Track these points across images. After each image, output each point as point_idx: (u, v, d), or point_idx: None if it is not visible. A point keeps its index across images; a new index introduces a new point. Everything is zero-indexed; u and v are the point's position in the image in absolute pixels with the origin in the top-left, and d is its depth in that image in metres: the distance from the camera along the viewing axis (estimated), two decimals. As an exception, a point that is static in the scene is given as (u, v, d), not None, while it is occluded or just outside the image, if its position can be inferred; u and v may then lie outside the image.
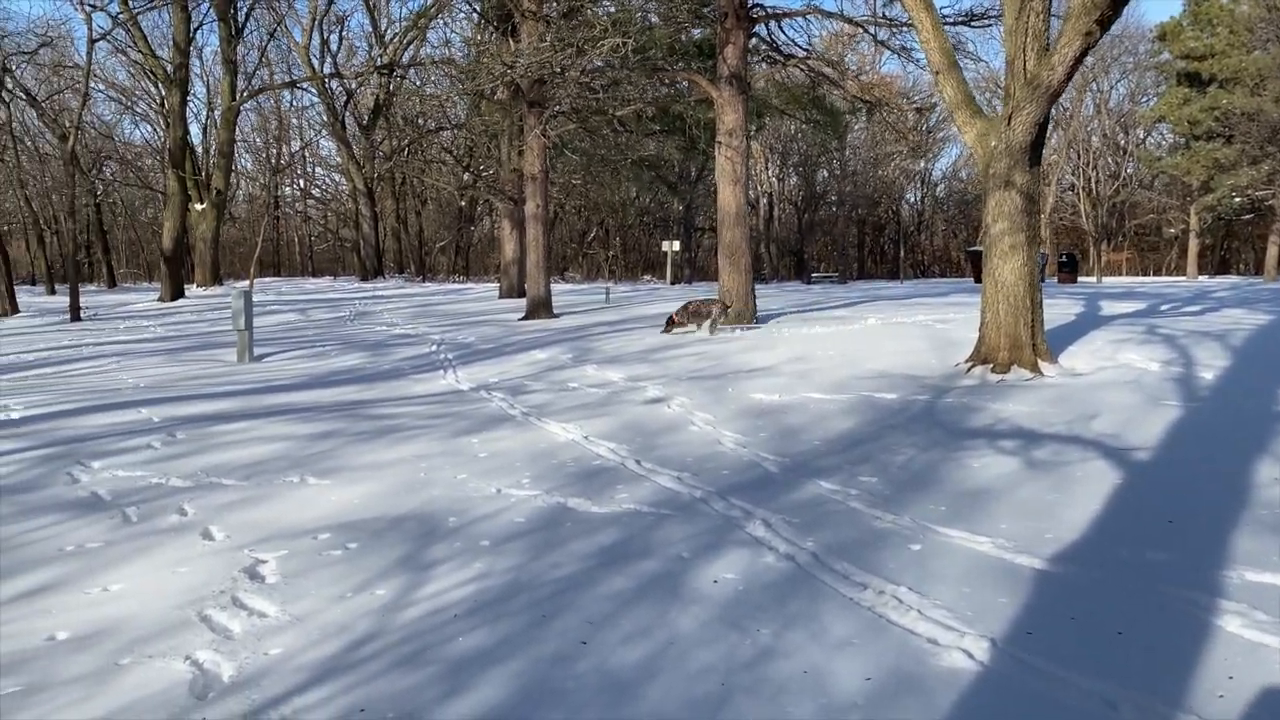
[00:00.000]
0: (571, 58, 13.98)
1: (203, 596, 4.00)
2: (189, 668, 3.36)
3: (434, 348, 14.15)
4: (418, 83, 34.72)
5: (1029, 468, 5.61)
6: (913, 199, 63.92)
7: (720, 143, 15.65)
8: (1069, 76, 8.53)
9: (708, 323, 14.47)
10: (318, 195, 56.46)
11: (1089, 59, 48.69)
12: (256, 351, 14.16)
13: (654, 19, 16.22)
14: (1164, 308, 15.33)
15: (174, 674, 3.31)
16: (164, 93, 35.68)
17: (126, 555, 4.56)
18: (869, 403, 8.01)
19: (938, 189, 63.76)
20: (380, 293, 32.06)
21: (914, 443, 6.42)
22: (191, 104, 50.18)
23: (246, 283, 33.89)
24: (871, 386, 8.77)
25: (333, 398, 9.36)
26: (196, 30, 34.36)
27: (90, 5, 24.93)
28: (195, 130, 47.89)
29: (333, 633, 3.62)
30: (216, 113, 39.50)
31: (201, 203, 34.19)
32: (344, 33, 52.90)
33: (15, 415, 8.35)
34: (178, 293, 29.56)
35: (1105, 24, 8.12)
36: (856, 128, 49.45)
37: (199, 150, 43.31)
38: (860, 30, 17.68)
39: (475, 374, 11.05)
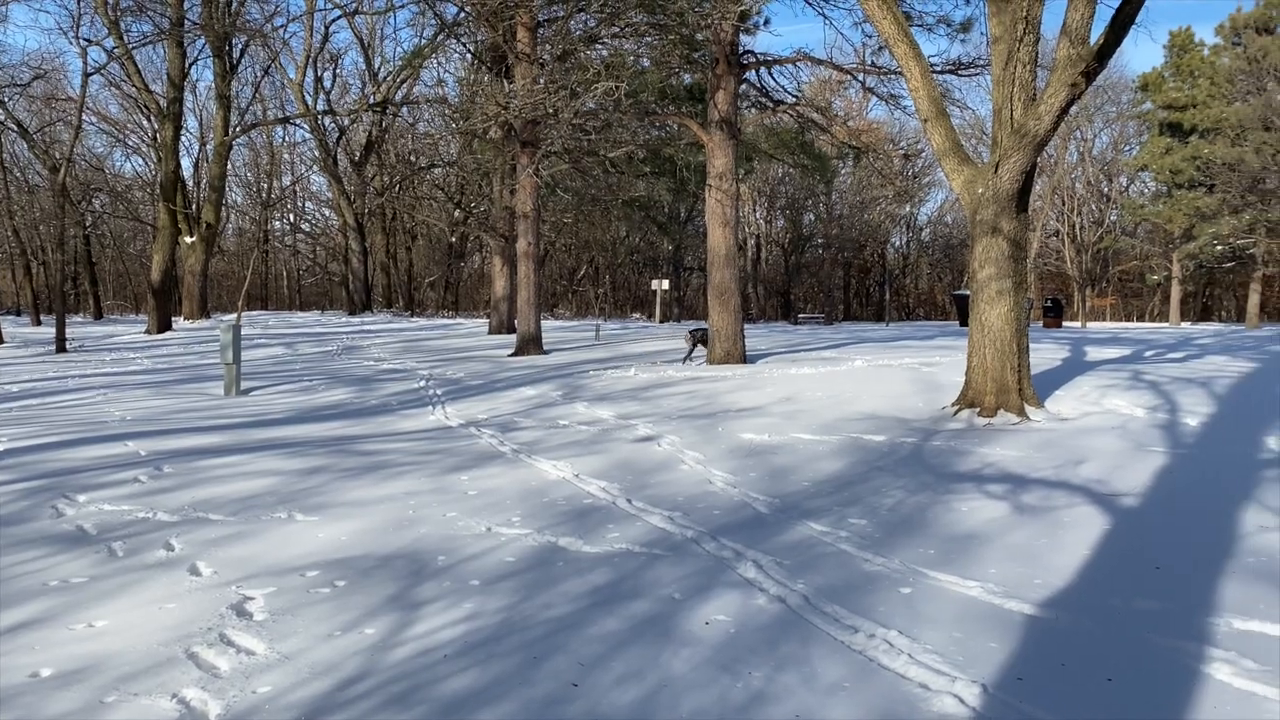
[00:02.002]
0: (565, 100, 14.15)
1: (190, 633, 3.97)
2: (176, 706, 3.32)
3: (422, 383, 14.13)
4: (410, 120, 34.97)
5: (1017, 512, 5.64)
6: (898, 243, 64.50)
7: (711, 185, 15.82)
8: (1055, 126, 8.68)
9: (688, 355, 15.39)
10: (307, 230, 56.59)
11: (1073, 108, 49.47)
12: (244, 385, 14.12)
13: (646, 63, 16.46)
14: (1148, 354, 15.48)
15: (161, 712, 3.28)
16: (156, 126, 35.84)
17: (112, 591, 4.52)
18: (857, 444, 8.04)
19: (923, 233, 64.39)
20: (368, 327, 32.01)
21: (902, 485, 6.45)
22: (184, 138, 50.41)
23: (234, 316, 33.82)
24: (859, 428, 8.80)
25: (321, 433, 9.33)
26: (191, 66, 34.58)
27: (85, 40, 25.09)
28: (186, 164, 48.14)
29: (321, 671, 3.59)
30: (209, 147, 39.69)
31: (191, 236, 34.21)
32: (338, 70, 53.26)
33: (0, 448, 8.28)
34: (165, 325, 29.47)
35: (1090, 76, 8.29)
36: (843, 172, 50.03)
37: (190, 184, 43.42)
38: (849, 77, 17.96)
39: (464, 410, 11.04)
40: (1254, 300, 44.31)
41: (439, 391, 13.02)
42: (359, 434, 9.30)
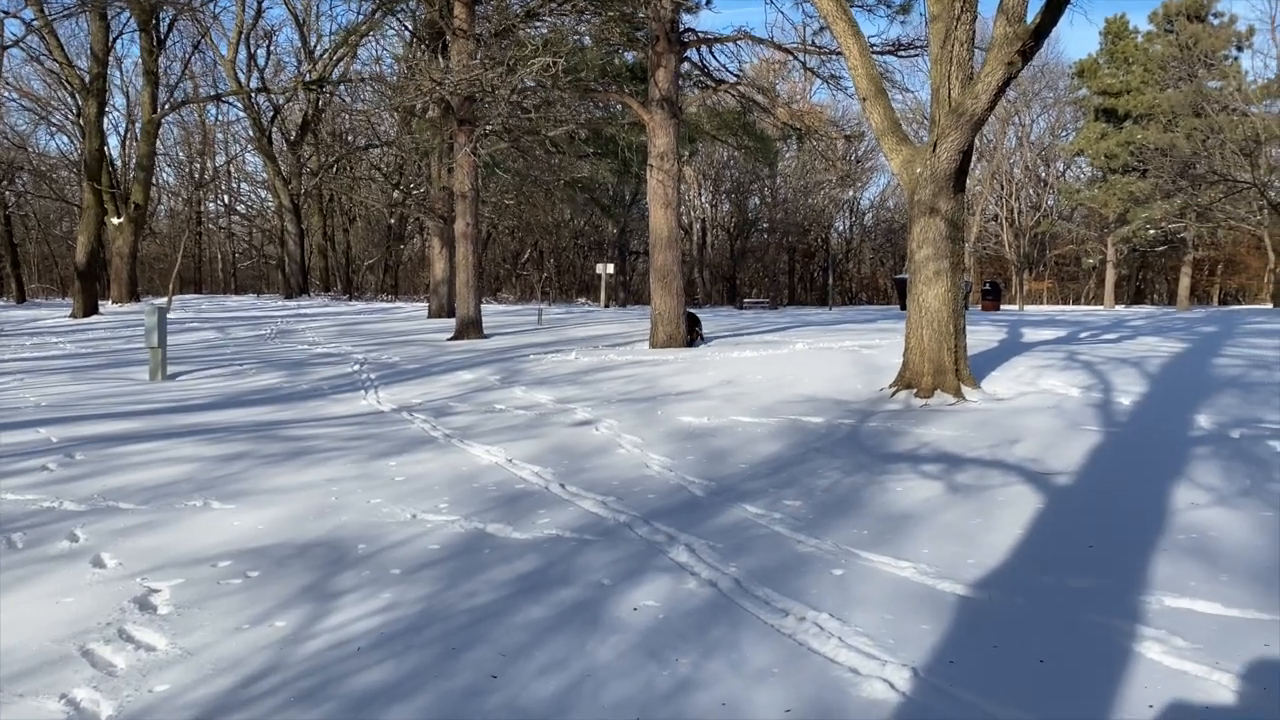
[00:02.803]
0: (502, 76, 13.86)
1: (87, 629, 3.73)
2: (64, 707, 3.11)
3: (356, 367, 13.81)
4: (347, 99, 34.16)
5: (951, 492, 5.59)
6: (841, 227, 64.99)
7: (652, 166, 15.65)
8: (992, 105, 8.66)
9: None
10: (243, 211, 55.29)
11: (1011, 92, 50.08)
12: (170, 370, 13.70)
13: (587, 40, 16.20)
14: (1083, 335, 15.69)
15: (47, 714, 3.06)
16: (81, 103, 34.56)
17: (7, 584, 4.25)
18: (795, 426, 7.97)
19: (866, 218, 64.93)
20: (304, 311, 31.36)
21: (839, 466, 6.38)
22: (111, 116, 48.89)
23: (165, 299, 32.90)
24: (798, 410, 8.74)
25: (246, 418, 9.02)
26: (116, 40, 33.48)
27: (3, 11, 24.09)
28: (115, 143, 46.68)
29: (226, 668, 3.39)
30: (137, 125, 38.48)
31: (119, 217, 33.18)
32: (272, 47, 51.87)
33: (-100, 435, 7.86)
34: (91, 309, 28.55)
35: (1027, 54, 8.27)
36: (787, 156, 50.16)
37: (119, 163, 42.14)
38: (791, 57, 17.89)
39: (398, 395, 10.78)
40: (1184, 283, 45.49)
41: (373, 376, 12.72)
42: (286, 419, 9.00)
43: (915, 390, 9.38)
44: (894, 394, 9.48)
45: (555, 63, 12.82)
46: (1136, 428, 7.38)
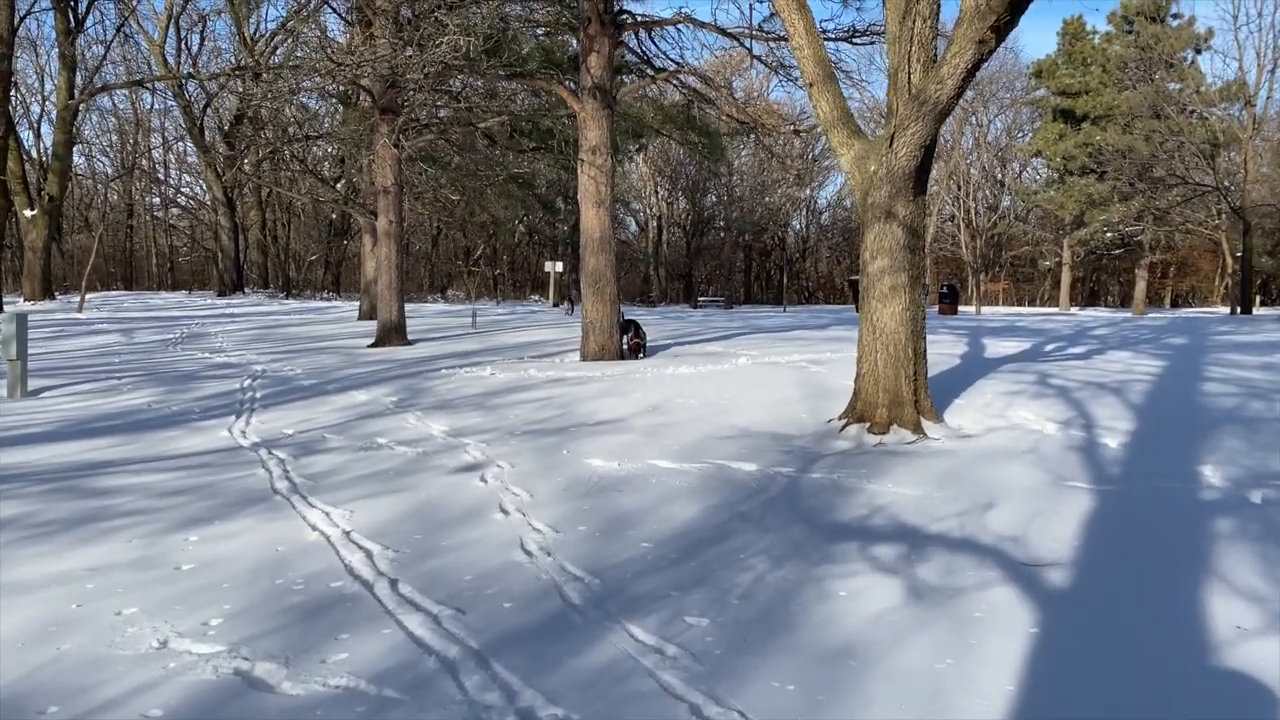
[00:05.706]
0: (414, 56, 12.28)
1: None
2: None
3: (247, 383, 12.23)
4: (270, 93, 32.20)
5: (913, 600, 4.16)
6: (798, 226, 64.08)
7: (583, 160, 14.17)
8: (959, 91, 7.30)
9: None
10: (183, 204, 52.87)
11: (969, 92, 49.33)
12: (38, 384, 12.14)
13: (512, 25, 14.67)
14: (1049, 348, 14.50)
15: None
16: (-13, 87, 32.33)
17: None
18: (722, 477, 6.54)
19: (823, 216, 64.08)
20: (231, 311, 29.54)
21: (767, 548, 4.94)
22: (36, 102, 46.50)
23: (79, 297, 30.88)
24: (729, 452, 7.33)
25: (67, 457, 7.43)
26: (24, 19, 31.33)
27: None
28: (45, 129, 44.35)
29: None
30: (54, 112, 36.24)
31: (32, 209, 31.14)
32: (205, 32, 49.32)
33: None
34: (-7, 308, 26.53)
35: (1001, 31, 6.91)
36: (743, 154, 48.99)
37: (48, 153, 39.93)
38: (739, 46, 16.50)
39: (271, 423, 9.21)
40: (1140, 287, 44.98)
41: (258, 395, 11.14)
42: (118, 459, 7.42)
43: (868, 425, 8.02)
44: (843, 428, 8.11)
45: (468, 41, 11.28)
46: (1133, 485, 6.04)
